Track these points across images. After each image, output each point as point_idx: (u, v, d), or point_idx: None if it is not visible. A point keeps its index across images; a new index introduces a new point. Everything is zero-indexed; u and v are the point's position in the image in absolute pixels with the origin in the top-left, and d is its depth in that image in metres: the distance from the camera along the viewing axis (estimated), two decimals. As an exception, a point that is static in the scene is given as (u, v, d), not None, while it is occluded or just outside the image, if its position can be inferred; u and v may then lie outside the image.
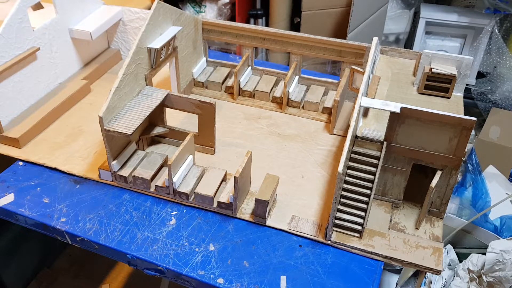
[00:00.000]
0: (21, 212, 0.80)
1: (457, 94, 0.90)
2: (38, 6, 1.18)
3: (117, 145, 0.83)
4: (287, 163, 0.90)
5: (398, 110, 0.70)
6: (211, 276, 0.70)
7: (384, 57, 1.01)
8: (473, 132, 1.75)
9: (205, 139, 0.91)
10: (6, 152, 0.92)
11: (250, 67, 1.11)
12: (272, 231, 0.78)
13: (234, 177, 0.74)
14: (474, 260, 1.26)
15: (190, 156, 0.84)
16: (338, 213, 0.75)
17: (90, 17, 1.10)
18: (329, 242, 0.75)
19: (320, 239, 0.76)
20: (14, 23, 0.91)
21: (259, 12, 2.03)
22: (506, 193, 1.45)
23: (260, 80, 1.10)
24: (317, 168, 0.89)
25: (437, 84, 0.89)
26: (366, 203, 0.74)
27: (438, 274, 0.74)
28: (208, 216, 0.80)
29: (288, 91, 1.02)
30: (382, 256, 0.73)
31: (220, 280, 0.70)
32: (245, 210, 0.80)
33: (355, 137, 0.76)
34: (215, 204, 0.80)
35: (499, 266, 1.17)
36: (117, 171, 0.83)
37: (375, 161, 0.75)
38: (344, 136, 0.97)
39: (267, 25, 2.03)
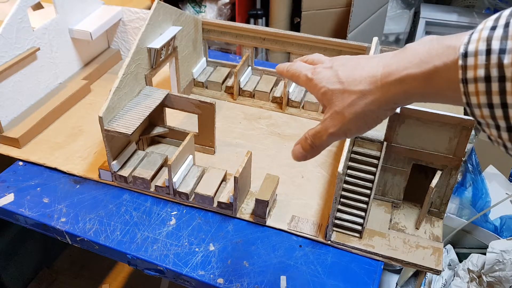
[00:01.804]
0: (21, 212, 0.80)
1: (457, 94, 0.90)
2: (38, 6, 1.18)
3: (117, 145, 0.83)
4: (287, 163, 0.90)
5: (398, 110, 0.70)
6: (211, 276, 0.70)
7: (384, 57, 1.01)
8: (473, 132, 1.75)
9: (205, 139, 0.91)
10: (6, 152, 0.92)
11: (250, 67, 1.11)
12: (272, 231, 0.78)
13: (234, 177, 0.74)
14: (474, 260, 1.26)
15: (190, 156, 0.85)
16: (338, 213, 0.75)
17: (90, 17, 1.10)
18: (329, 242, 0.75)
19: (320, 239, 0.76)
20: (14, 23, 0.91)
21: (259, 12, 2.03)
22: (506, 193, 1.45)
23: (260, 80, 1.10)
24: (317, 168, 0.89)
25: (437, 84, 0.89)
26: (366, 203, 0.74)
27: (438, 274, 0.74)
28: (208, 216, 0.80)
29: (288, 91, 1.02)
30: (382, 256, 0.73)
31: (220, 280, 0.70)
32: (245, 210, 0.80)
33: (355, 137, 0.76)
34: (215, 204, 0.80)
35: (499, 266, 1.17)
36: (117, 171, 0.83)
37: (375, 161, 0.75)
38: (344, 136, 0.97)
39: (267, 25, 2.03)
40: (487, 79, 0.33)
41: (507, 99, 0.32)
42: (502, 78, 0.32)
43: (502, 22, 0.33)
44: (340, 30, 1.85)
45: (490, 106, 0.33)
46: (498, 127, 0.34)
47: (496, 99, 0.33)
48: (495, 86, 0.33)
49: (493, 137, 0.35)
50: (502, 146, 0.35)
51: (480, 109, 0.34)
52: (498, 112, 0.33)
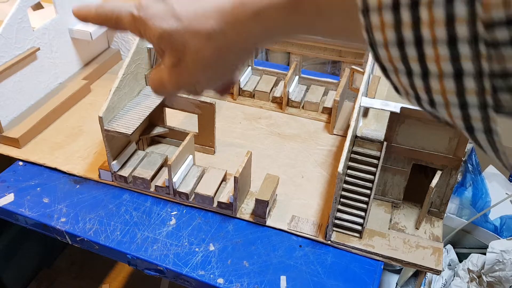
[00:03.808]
0: (21, 212, 0.80)
1: (457, 94, 0.90)
2: (38, 6, 1.18)
3: (117, 145, 0.83)
4: (287, 163, 0.90)
5: (398, 110, 0.70)
6: (211, 276, 0.70)
7: (384, 57, 1.01)
8: (473, 132, 1.75)
9: (205, 139, 0.91)
10: (6, 152, 0.92)
11: (250, 67, 1.11)
12: (272, 231, 0.78)
13: (234, 177, 0.74)
14: (474, 260, 1.26)
15: (190, 156, 0.84)
16: (338, 213, 0.75)
17: (90, 17, 1.10)
18: (329, 242, 0.75)
19: (320, 239, 0.76)
20: (14, 23, 0.91)
21: (259, 12, 2.02)
22: (506, 193, 1.45)
23: (260, 80, 1.10)
24: (317, 168, 0.89)
25: (437, 84, 0.89)
26: (366, 203, 0.74)
27: (438, 274, 0.74)
28: (208, 216, 0.80)
29: (288, 91, 1.02)
30: (382, 256, 0.73)
31: (220, 280, 0.70)
32: (245, 210, 0.80)
33: (355, 137, 0.76)
34: (215, 204, 0.80)
35: (499, 266, 1.17)
36: (117, 171, 0.83)
37: (375, 161, 0.75)
38: (344, 136, 0.97)
39: (267, 25, 2.03)
40: (395, 5, 0.22)
41: (422, 33, 0.22)
42: (414, 4, 0.22)
43: None
44: (340, 30, 1.85)
45: (400, 43, 0.23)
46: (410, 73, 0.24)
47: (408, 34, 0.23)
48: (406, 15, 0.22)
49: (402, 87, 0.25)
50: (413, 98, 0.25)
51: (387, 49, 0.24)
52: (411, 52, 0.23)
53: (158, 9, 0.34)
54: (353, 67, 0.95)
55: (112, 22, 0.37)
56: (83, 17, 0.39)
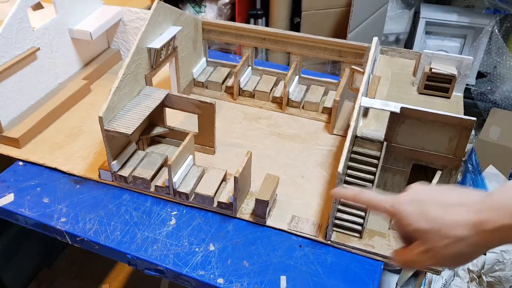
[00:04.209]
0: (21, 212, 0.80)
1: (457, 94, 0.90)
2: (38, 6, 1.18)
3: (117, 145, 0.83)
4: (287, 163, 0.90)
5: (398, 110, 0.70)
6: (211, 276, 0.70)
7: (384, 57, 1.01)
8: (473, 132, 1.75)
9: (205, 139, 0.91)
10: (6, 152, 0.92)
11: (250, 67, 1.11)
12: (272, 231, 0.78)
13: (234, 177, 0.74)
14: (474, 260, 1.26)
15: (190, 156, 0.85)
16: (338, 213, 0.75)
17: (90, 17, 1.10)
18: (329, 242, 0.75)
19: (320, 239, 0.76)
20: (14, 23, 0.91)
21: (259, 12, 2.03)
22: (506, 193, 1.44)
23: (260, 80, 1.10)
24: (317, 168, 0.89)
25: (437, 84, 0.89)
26: (366, 203, 0.74)
27: (438, 274, 0.74)
28: (208, 216, 0.80)
29: (288, 91, 1.02)
30: (382, 256, 0.73)
31: (220, 280, 0.70)
32: (245, 210, 0.80)
33: (355, 137, 0.76)
34: (215, 204, 0.80)
35: (499, 266, 1.17)
36: (117, 171, 0.83)
37: (375, 161, 0.75)
38: (344, 136, 0.97)
39: (267, 25, 2.03)
40: None
41: None
42: None
43: None
44: (340, 30, 1.85)
45: None
46: None
47: None
48: None
49: None
50: None
51: None
52: None
53: (411, 210, 0.50)
54: (353, 67, 0.95)
55: (369, 207, 0.55)
56: (342, 197, 0.58)
